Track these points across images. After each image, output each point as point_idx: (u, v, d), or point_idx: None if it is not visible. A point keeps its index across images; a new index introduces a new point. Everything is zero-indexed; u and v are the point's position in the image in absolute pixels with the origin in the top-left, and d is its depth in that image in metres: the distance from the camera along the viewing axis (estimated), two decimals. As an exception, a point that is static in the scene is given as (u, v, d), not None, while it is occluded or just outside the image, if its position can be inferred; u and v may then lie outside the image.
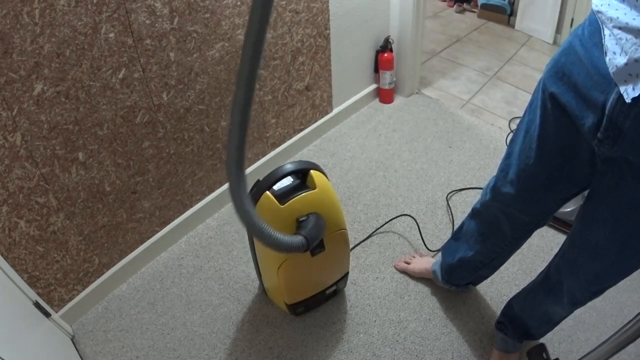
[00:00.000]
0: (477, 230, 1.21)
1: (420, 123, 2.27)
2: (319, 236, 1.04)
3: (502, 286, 1.52)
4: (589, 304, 1.43)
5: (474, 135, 2.18)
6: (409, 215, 1.76)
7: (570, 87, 0.75)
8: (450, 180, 1.93)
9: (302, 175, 1.20)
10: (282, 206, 1.11)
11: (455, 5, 3.62)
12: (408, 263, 1.55)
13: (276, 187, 1.16)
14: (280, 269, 1.20)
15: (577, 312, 1.42)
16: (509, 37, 3.17)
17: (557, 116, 0.81)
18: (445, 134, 2.19)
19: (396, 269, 1.57)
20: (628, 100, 0.63)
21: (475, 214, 1.21)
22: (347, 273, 1.43)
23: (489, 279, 1.53)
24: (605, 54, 0.67)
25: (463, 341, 1.37)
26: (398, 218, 1.76)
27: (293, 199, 1.12)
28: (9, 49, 1.03)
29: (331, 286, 1.40)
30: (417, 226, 1.72)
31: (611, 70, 0.65)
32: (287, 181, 1.18)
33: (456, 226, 1.71)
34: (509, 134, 2.18)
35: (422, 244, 1.66)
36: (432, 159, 2.04)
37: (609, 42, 0.66)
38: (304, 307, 1.41)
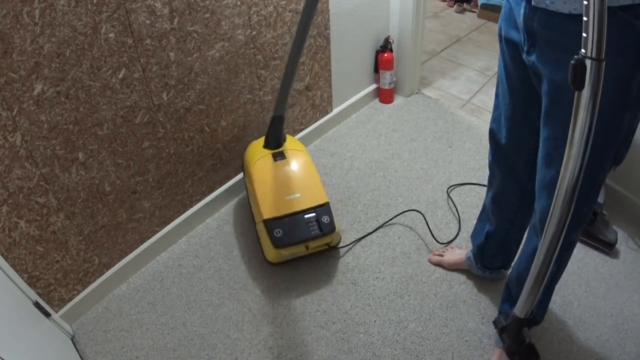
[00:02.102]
0: (491, 200, 1.32)
1: (420, 123, 2.27)
2: None
3: (502, 286, 1.52)
4: (589, 304, 1.44)
5: (474, 135, 2.18)
6: (416, 210, 1.76)
7: (511, 22, 0.93)
8: (451, 180, 1.93)
9: None
10: None
11: (455, 5, 3.62)
12: (441, 256, 1.59)
13: None
14: (254, 168, 1.54)
15: (578, 312, 1.43)
16: (509, 37, 3.17)
17: (511, 54, 0.99)
18: (445, 134, 2.19)
19: (430, 262, 1.61)
20: (533, 4, 0.80)
21: (487, 188, 1.33)
22: (327, 205, 1.49)
23: (488, 280, 1.54)
24: None
25: (463, 341, 1.38)
26: (398, 217, 1.76)
27: None
28: (9, 49, 1.03)
29: (309, 212, 1.46)
30: (424, 221, 1.72)
31: None
32: None
33: (462, 219, 1.75)
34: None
35: (425, 239, 1.67)
36: (432, 158, 2.04)
37: None
38: (282, 232, 1.43)
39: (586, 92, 0.70)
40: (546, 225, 0.83)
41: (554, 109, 0.88)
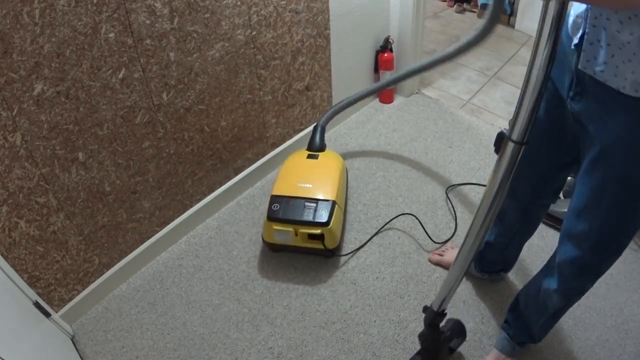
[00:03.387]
0: None
1: (420, 123, 2.27)
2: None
3: (502, 286, 1.52)
4: (589, 304, 1.44)
5: (474, 135, 2.18)
6: (410, 214, 1.76)
7: (558, 64, 0.87)
8: (451, 180, 1.93)
9: None
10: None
11: (455, 5, 3.62)
12: (441, 255, 1.60)
13: None
14: (288, 158, 1.76)
15: (578, 312, 1.43)
16: (509, 37, 3.17)
17: (549, 89, 0.93)
18: (445, 134, 2.19)
19: (430, 261, 1.62)
20: (580, 67, 0.77)
21: None
22: (331, 202, 1.53)
23: (488, 280, 1.54)
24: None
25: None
26: (398, 218, 1.76)
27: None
28: (9, 49, 1.03)
29: (312, 202, 1.53)
30: (419, 223, 1.72)
31: (569, 29, 0.81)
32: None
33: (459, 219, 1.75)
34: (509, 134, 2.18)
35: (425, 239, 1.66)
36: (432, 159, 2.04)
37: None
38: (278, 207, 1.52)
39: (502, 166, 0.77)
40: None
41: (597, 165, 0.84)
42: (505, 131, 0.72)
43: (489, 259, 1.44)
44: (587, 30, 0.75)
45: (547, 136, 1.01)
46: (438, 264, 1.60)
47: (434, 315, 1.12)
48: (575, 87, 0.82)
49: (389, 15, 2.21)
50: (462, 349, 1.35)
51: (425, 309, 1.16)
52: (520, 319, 1.26)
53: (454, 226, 1.73)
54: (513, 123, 0.75)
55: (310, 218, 1.50)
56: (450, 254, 1.58)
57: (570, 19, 0.81)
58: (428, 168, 1.99)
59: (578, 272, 1.00)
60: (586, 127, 0.84)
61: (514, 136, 0.75)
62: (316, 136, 1.78)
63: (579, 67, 0.77)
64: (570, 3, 0.67)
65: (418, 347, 1.36)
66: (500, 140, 0.75)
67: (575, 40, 0.78)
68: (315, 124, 1.82)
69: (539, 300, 1.16)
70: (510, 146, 0.76)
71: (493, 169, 0.82)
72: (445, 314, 1.13)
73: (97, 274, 1.51)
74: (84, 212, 1.37)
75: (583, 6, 0.77)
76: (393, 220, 1.75)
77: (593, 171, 0.86)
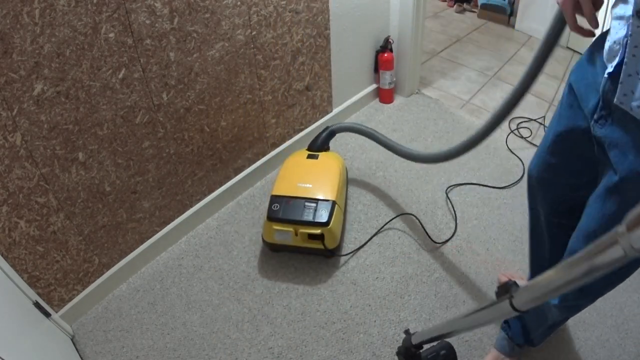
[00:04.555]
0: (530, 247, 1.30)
1: (420, 123, 2.27)
2: None
3: (502, 286, 1.52)
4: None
5: (474, 135, 2.18)
6: (410, 214, 1.76)
7: (583, 75, 0.85)
8: (450, 180, 1.93)
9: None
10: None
11: (455, 5, 3.62)
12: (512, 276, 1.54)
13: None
14: (289, 158, 1.76)
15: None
16: (509, 37, 3.17)
17: (570, 103, 0.90)
18: (445, 134, 2.19)
19: (499, 280, 1.54)
20: (616, 102, 0.71)
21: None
22: (331, 202, 1.53)
23: (488, 279, 1.54)
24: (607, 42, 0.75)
25: (463, 341, 1.37)
26: (398, 218, 1.76)
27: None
28: (9, 49, 1.03)
29: (311, 202, 1.53)
30: (419, 223, 1.72)
31: (605, 55, 0.75)
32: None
33: (459, 219, 1.74)
34: (509, 134, 2.19)
35: (425, 239, 1.66)
36: (432, 159, 2.04)
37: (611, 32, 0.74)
38: (278, 207, 1.52)
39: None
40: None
41: (612, 196, 0.81)
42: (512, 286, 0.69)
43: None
44: (625, 60, 0.67)
45: (567, 153, 0.97)
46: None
47: (409, 346, 1.06)
48: (600, 111, 0.77)
49: (389, 15, 2.21)
50: (462, 349, 1.35)
51: (407, 333, 1.10)
52: (520, 323, 1.26)
53: (454, 226, 1.73)
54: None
55: (310, 218, 1.50)
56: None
57: (607, 44, 0.74)
58: (428, 168, 1.99)
59: (579, 294, 0.99)
60: (606, 152, 0.79)
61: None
62: (321, 137, 1.78)
63: (615, 101, 0.71)
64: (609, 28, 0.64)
65: (418, 347, 1.36)
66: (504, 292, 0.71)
67: (610, 69, 0.72)
68: (327, 126, 1.81)
69: (539, 311, 1.15)
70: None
71: None
72: (422, 347, 1.06)
73: (97, 274, 1.51)
74: (84, 212, 1.37)
75: (622, 32, 0.68)
76: (393, 220, 1.75)
77: (607, 199, 0.81)
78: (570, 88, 0.91)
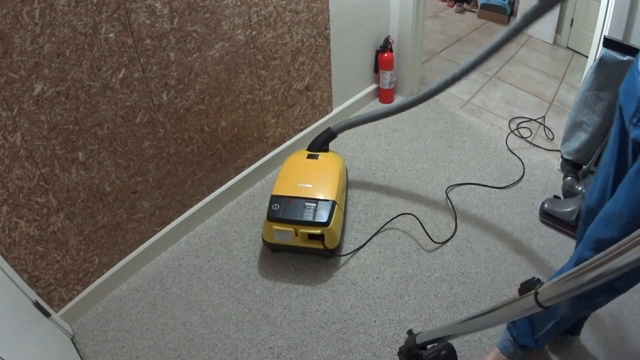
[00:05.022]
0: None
1: (420, 123, 2.27)
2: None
3: (502, 286, 1.52)
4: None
5: (474, 135, 2.18)
6: (410, 214, 1.76)
7: (625, 87, 0.92)
8: (450, 180, 1.93)
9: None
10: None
11: (455, 5, 3.62)
12: None
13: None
14: (289, 157, 1.76)
15: (577, 312, 1.42)
16: (509, 37, 3.17)
17: (618, 118, 0.95)
18: (445, 134, 2.19)
19: None
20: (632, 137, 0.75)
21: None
22: (331, 202, 1.53)
23: (488, 279, 1.54)
24: None
25: (463, 341, 1.37)
26: (398, 218, 1.76)
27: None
28: (9, 49, 1.03)
29: (311, 201, 1.53)
30: (419, 223, 1.72)
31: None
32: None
33: (459, 219, 1.74)
34: (509, 134, 2.19)
35: (425, 239, 1.66)
36: (432, 158, 2.04)
37: None
38: (278, 207, 1.52)
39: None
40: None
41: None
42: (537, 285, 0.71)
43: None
44: None
45: (614, 159, 1.00)
46: None
47: (412, 346, 1.07)
48: (637, 113, 0.84)
49: (389, 15, 2.21)
50: (462, 349, 1.35)
51: (409, 333, 1.10)
52: (526, 321, 1.25)
53: (454, 226, 1.73)
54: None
55: (310, 218, 1.50)
56: None
57: None
58: (428, 168, 1.99)
59: (597, 289, 0.99)
60: None
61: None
62: (321, 138, 1.78)
63: (631, 135, 0.78)
64: None
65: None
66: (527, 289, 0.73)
67: None
68: (328, 127, 1.79)
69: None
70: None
71: None
72: (426, 348, 1.06)
73: (97, 274, 1.51)
74: (84, 212, 1.37)
75: None
76: (393, 220, 1.75)
77: (637, 180, 0.84)
78: (618, 108, 0.96)
